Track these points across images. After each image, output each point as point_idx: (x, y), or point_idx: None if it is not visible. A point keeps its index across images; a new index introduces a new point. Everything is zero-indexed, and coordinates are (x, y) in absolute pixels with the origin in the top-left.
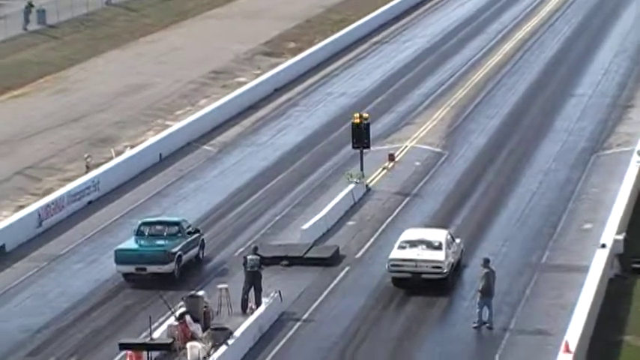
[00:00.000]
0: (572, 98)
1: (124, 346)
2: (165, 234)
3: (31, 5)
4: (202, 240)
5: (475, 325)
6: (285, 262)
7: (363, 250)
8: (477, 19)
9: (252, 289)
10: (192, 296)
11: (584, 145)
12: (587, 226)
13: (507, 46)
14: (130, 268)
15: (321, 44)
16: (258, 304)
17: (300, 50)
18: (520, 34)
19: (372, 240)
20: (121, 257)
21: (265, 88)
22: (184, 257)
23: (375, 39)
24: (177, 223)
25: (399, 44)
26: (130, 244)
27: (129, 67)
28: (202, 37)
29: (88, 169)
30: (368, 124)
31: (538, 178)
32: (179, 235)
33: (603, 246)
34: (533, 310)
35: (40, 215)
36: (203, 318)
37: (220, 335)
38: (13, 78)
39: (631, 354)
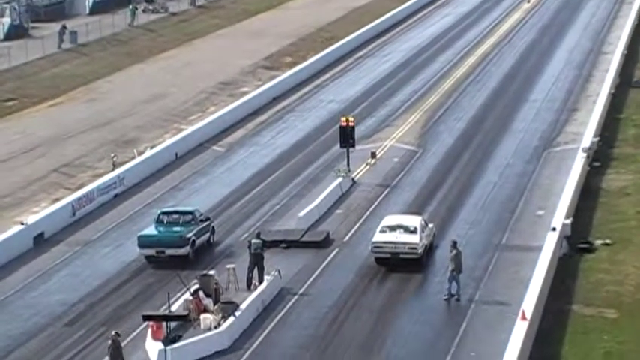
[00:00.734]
0: (527, 103)
1: (146, 318)
2: (180, 222)
3: (64, 27)
4: (212, 227)
5: (445, 297)
6: (283, 245)
7: (350, 234)
8: (446, 37)
9: (256, 268)
10: (204, 275)
11: (537, 144)
12: (540, 212)
13: (471, 60)
14: (151, 251)
15: (313, 59)
16: (260, 281)
17: (295, 64)
18: (482, 49)
19: (357, 225)
20: (143, 242)
21: (265, 97)
22: (197, 242)
23: (359, 54)
24: (191, 213)
25: (380, 58)
26: (151, 230)
27: (148, 80)
28: (211, 53)
29: (115, 166)
30: (353, 127)
31: (498, 171)
32: (193, 222)
33: (554, 229)
34: (495, 284)
35: (73, 207)
36: (214, 293)
37: (229, 308)
38: (50, 89)
39: (577, 320)
